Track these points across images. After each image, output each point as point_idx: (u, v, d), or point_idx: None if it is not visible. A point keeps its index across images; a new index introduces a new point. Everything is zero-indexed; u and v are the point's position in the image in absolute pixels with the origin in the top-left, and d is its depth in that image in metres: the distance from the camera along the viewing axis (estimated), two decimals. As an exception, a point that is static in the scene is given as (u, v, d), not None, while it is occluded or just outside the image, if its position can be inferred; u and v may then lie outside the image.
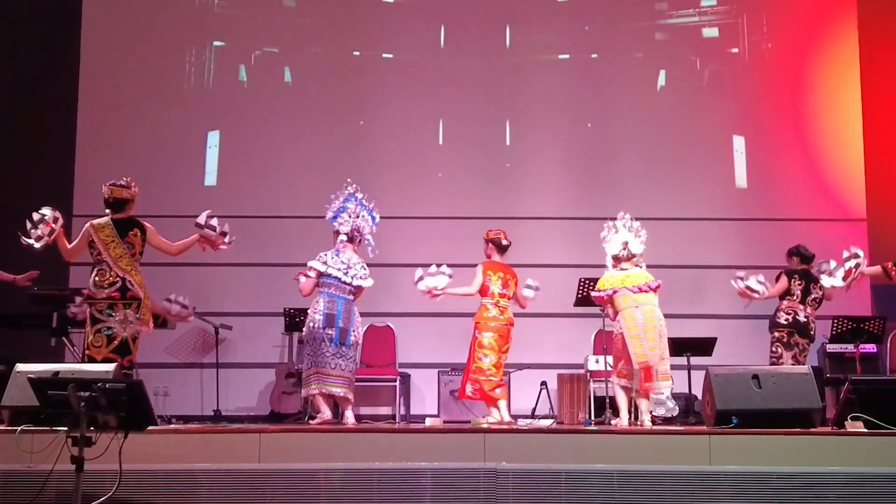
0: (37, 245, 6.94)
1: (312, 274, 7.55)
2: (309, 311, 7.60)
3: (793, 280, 8.45)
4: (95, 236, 6.98)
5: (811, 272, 8.47)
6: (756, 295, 8.13)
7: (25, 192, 9.89)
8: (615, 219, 7.82)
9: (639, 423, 7.47)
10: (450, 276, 7.90)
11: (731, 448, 5.95)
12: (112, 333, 6.86)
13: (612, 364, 7.74)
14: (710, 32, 10.88)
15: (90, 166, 10.19)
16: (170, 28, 10.64)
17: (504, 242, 8.07)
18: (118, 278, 6.92)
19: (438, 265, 7.95)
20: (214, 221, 7.31)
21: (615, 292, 7.63)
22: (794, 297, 8.41)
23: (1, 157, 10.08)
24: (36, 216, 6.96)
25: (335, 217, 7.79)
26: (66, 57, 10.44)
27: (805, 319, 8.38)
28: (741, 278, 8.17)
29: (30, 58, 10.27)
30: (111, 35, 10.56)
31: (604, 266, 7.98)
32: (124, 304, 6.91)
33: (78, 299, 8.06)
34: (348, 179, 7.89)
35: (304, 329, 7.61)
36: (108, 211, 7.11)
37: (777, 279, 8.52)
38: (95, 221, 7.05)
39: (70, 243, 7.10)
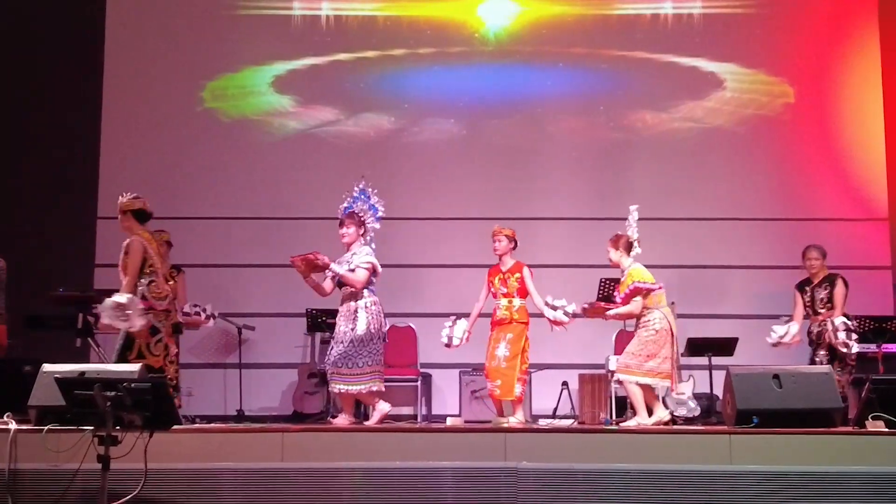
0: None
1: (369, 267, 7.50)
2: (369, 309, 7.45)
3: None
4: (150, 249, 7.04)
5: None
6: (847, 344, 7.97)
7: (51, 194, 10.05)
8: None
9: (661, 421, 7.46)
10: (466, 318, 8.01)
11: (752, 448, 5.95)
12: (166, 343, 7.05)
13: (633, 363, 7.46)
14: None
15: (114, 169, 10.28)
16: (193, 31, 10.71)
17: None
18: (168, 292, 7.09)
19: (455, 319, 8.03)
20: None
21: (660, 288, 7.57)
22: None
23: (27, 160, 10.17)
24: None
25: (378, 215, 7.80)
26: (90, 61, 10.53)
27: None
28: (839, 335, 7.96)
29: (54, 62, 10.36)
30: (135, 39, 10.64)
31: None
32: (165, 316, 7.08)
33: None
34: (363, 175, 7.88)
35: (365, 328, 7.38)
36: (127, 223, 7.11)
37: (833, 288, 8.24)
38: (143, 234, 7.08)
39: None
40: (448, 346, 8.05)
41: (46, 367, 6.32)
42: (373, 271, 7.49)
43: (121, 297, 6.77)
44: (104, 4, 10.67)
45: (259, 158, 10.55)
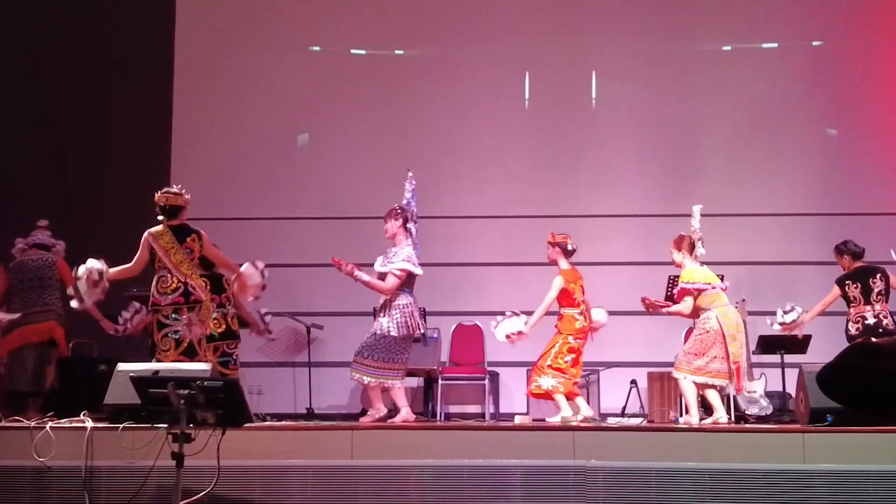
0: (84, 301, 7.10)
1: (401, 275, 7.54)
2: (402, 309, 7.52)
3: (847, 286, 8.11)
4: (155, 244, 7.10)
5: (867, 267, 8.17)
6: (797, 323, 8.08)
7: (123, 196, 10.21)
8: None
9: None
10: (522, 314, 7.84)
11: (826, 446, 5.87)
12: (179, 337, 7.01)
13: (683, 360, 7.55)
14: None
15: (185, 171, 10.43)
16: (261, 33, 10.83)
17: (570, 247, 7.97)
18: (180, 283, 7.04)
19: (510, 313, 7.85)
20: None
21: (713, 288, 7.54)
22: (857, 301, 8.07)
23: (99, 163, 10.36)
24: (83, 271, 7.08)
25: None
26: (161, 63, 10.71)
27: (875, 319, 7.99)
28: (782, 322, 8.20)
29: (125, 66, 10.54)
30: (203, 42, 10.80)
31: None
32: (188, 308, 7.03)
33: (130, 308, 8.10)
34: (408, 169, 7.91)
35: (395, 325, 7.48)
36: (161, 218, 7.22)
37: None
38: (153, 230, 7.15)
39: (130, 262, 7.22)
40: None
41: (121, 366, 6.45)
42: (405, 277, 7.54)
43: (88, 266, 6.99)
44: (174, 9, 10.84)
45: (323, 159, 10.62)
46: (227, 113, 10.69)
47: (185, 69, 10.79)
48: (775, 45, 10.59)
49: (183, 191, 7.36)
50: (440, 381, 9.37)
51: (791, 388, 8.47)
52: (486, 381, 9.52)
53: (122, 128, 10.44)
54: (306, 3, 10.95)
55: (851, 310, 8.12)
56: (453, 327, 9.84)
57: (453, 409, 9.67)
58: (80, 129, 10.47)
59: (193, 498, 5.49)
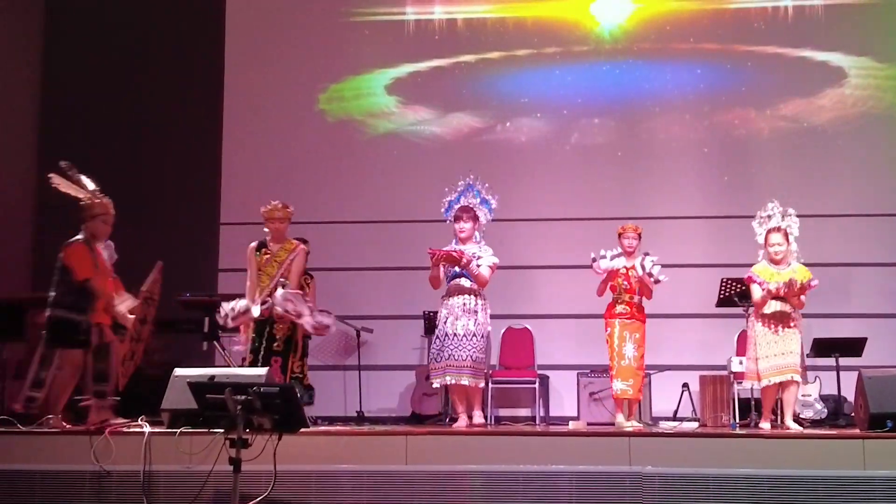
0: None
1: (493, 267, 7.67)
2: (486, 308, 7.66)
3: None
4: None
5: None
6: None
7: (176, 202, 10.33)
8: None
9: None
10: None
11: (887, 452, 5.79)
12: None
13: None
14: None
15: (235, 178, 10.52)
16: (309, 38, 10.88)
17: None
18: None
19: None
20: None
21: None
22: None
23: (151, 168, 10.45)
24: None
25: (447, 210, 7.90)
26: (211, 70, 10.77)
27: None
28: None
29: (175, 71, 10.63)
30: (253, 47, 10.85)
31: (741, 265, 7.86)
32: None
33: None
34: (470, 170, 7.93)
35: (483, 325, 7.61)
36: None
37: None
38: None
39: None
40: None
41: (178, 371, 6.51)
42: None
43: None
44: (224, 15, 10.92)
45: (374, 163, 10.64)
46: (276, 116, 10.74)
47: (235, 75, 10.84)
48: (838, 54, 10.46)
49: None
50: (490, 385, 9.35)
51: (846, 392, 8.35)
52: (536, 385, 9.48)
53: (170, 135, 10.53)
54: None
55: None
56: (503, 330, 9.83)
57: (503, 412, 9.65)
58: (127, 134, 10.59)
59: (251, 503, 5.53)
